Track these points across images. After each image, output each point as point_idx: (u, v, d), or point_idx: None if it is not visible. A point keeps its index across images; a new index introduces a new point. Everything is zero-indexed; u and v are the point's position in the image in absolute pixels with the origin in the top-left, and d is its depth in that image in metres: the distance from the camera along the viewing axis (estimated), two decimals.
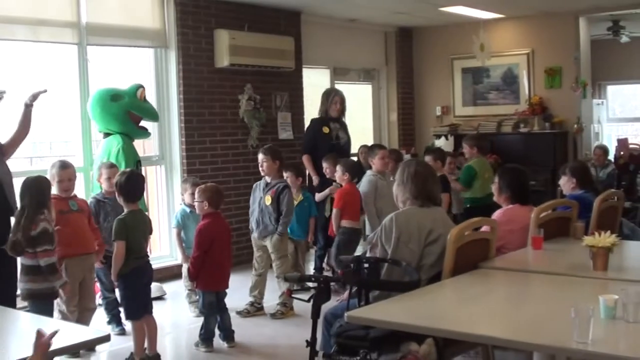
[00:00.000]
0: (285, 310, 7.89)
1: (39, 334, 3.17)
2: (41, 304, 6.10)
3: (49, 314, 6.15)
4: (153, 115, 8.75)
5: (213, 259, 6.87)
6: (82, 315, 6.74)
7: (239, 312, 7.88)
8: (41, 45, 9.01)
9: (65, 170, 6.71)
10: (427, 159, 9.59)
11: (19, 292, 6.42)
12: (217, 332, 7.01)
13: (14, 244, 5.99)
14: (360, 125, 13.75)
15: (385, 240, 4.95)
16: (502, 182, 6.31)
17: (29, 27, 8.61)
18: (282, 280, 7.90)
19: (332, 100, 10.09)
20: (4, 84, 6.67)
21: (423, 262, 4.91)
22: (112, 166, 7.58)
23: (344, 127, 10.17)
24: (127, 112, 8.37)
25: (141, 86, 8.56)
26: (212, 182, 7.75)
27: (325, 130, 9.95)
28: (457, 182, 9.80)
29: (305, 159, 9.92)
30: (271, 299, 8.08)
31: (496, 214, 6.12)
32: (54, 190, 6.63)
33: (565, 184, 7.09)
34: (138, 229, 6.36)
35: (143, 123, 8.63)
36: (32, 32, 8.67)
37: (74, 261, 6.60)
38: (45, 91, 6.92)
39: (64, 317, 6.55)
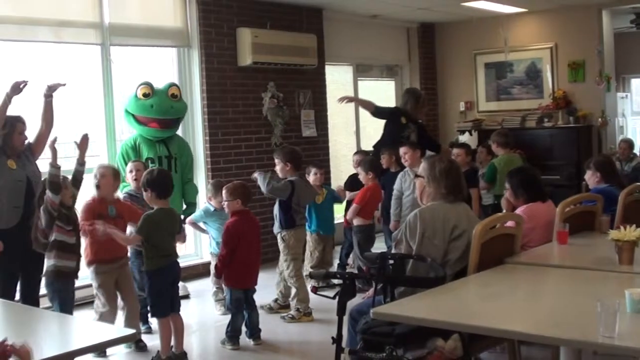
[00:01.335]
0: (297, 316, 7.73)
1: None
2: (59, 283, 6.30)
3: (67, 293, 6.32)
4: (150, 112, 8.51)
5: (241, 256, 6.88)
6: (129, 315, 6.89)
7: (262, 306, 7.87)
8: (64, 46, 9.04)
9: (99, 169, 6.84)
10: (459, 152, 9.58)
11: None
12: (243, 329, 7.04)
13: (34, 240, 6.31)
14: (384, 122, 13.72)
15: (410, 237, 4.95)
16: (513, 186, 6.29)
17: (52, 28, 8.67)
18: (293, 282, 7.78)
19: (423, 104, 10.36)
20: (35, 85, 6.71)
21: (448, 258, 4.91)
22: (134, 161, 7.74)
23: (419, 130, 10.20)
24: (127, 112, 8.54)
25: (142, 84, 8.54)
26: (237, 180, 7.77)
27: (403, 120, 10.03)
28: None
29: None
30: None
31: (517, 212, 6.10)
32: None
33: (590, 178, 7.07)
34: (165, 227, 6.38)
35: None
36: (55, 33, 8.72)
37: (103, 267, 6.70)
38: (64, 84, 6.94)
39: (102, 317, 6.66)
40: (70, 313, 6.17)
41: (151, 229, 6.29)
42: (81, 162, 6.64)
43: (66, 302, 6.26)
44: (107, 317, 6.65)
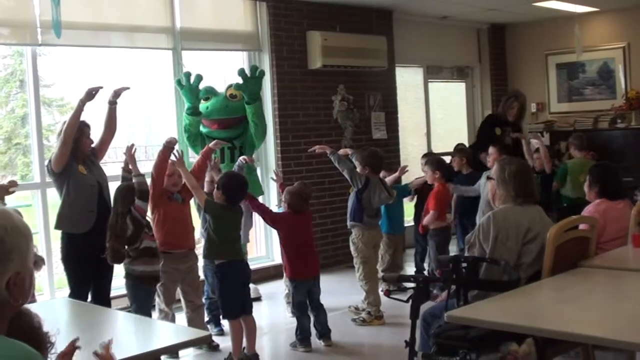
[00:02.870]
0: (368, 319, 7.71)
1: (99, 356, 3.15)
2: (143, 288, 6.42)
3: (147, 298, 6.47)
4: (206, 114, 8.63)
5: (293, 248, 6.97)
6: (194, 314, 6.97)
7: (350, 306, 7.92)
8: (137, 52, 9.17)
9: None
10: (538, 155, 9.43)
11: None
12: (313, 331, 7.06)
13: (112, 252, 6.28)
14: (455, 124, 13.69)
15: (483, 239, 4.92)
16: (591, 178, 6.28)
17: (124, 33, 8.80)
18: (363, 285, 7.75)
19: (509, 105, 10.33)
20: (102, 90, 6.80)
21: (522, 261, 4.87)
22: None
23: (517, 131, 10.16)
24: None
25: (202, 88, 8.65)
26: (307, 182, 7.77)
27: (497, 131, 10.05)
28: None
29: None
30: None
31: (587, 210, 6.05)
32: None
33: None
34: (230, 220, 6.51)
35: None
36: (127, 38, 8.84)
37: (170, 258, 6.74)
38: (128, 88, 7.05)
39: (165, 315, 6.76)
40: (147, 316, 6.23)
41: (217, 209, 6.42)
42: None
43: (144, 306, 6.35)
44: (164, 318, 6.77)
